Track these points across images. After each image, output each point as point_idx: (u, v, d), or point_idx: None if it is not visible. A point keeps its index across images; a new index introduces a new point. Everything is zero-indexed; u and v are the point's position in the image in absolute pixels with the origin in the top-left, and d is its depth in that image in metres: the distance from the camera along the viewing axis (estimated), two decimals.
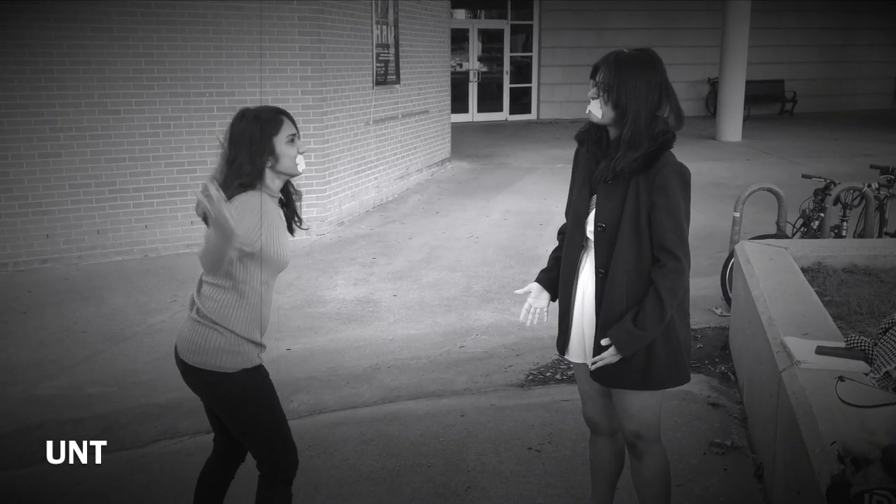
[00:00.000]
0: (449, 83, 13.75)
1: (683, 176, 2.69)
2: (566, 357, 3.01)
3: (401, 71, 11.15)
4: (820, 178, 6.70)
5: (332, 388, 4.96)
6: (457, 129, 15.25)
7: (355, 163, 9.76)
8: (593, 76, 2.76)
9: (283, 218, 2.87)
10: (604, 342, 2.72)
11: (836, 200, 6.45)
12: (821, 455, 2.47)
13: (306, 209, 8.78)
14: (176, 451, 4.16)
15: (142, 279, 7.31)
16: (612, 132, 2.76)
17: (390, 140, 10.93)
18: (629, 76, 2.66)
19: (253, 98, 8.26)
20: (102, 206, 7.89)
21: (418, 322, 6.18)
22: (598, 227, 2.74)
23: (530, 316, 3.10)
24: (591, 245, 2.82)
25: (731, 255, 5.92)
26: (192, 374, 2.78)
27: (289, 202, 2.91)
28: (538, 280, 3.12)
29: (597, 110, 2.72)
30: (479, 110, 20.33)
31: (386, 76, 10.62)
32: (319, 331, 5.89)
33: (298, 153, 2.78)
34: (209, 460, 3.09)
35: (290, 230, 2.93)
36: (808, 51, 21.80)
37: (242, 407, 2.78)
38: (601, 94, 2.71)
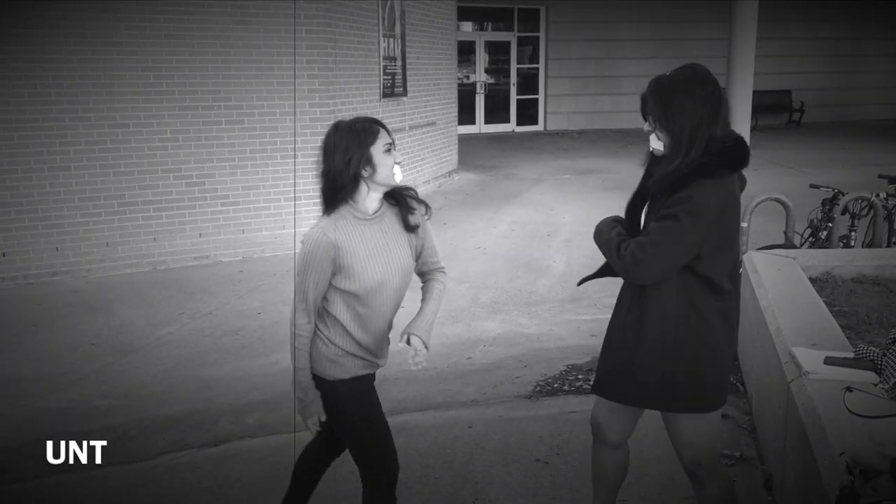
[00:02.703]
0: (456, 95, 13.79)
1: (698, 212, 2.50)
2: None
3: (408, 83, 11.19)
4: (828, 187, 6.69)
5: None
6: (464, 140, 15.28)
7: None
8: (644, 109, 2.67)
9: (391, 229, 2.82)
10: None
11: (845, 210, 6.43)
12: (830, 466, 2.46)
13: (315, 220, 8.78)
14: (184, 464, 4.17)
15: (150, 291, 7.34)
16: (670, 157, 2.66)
17: (397, 152, 10.94)
18: (674, 99, 2.57)
19: (260, 110, 8.31)
20: (111, 219, 7.93)
21: None
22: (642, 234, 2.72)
23: None
24: None
25: (739, 265, 5.90)
26: (315, 379, 2.86)
27: (400, 200, 2.86)
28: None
29: (657, 144, 2.66)
30: (486, 122, 20.36)
31: (393, 88, 10.66)
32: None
33: (395, 163, 2.75)
34: (310, 445, 3.20)
35: (408, 228, 2.87)
36: (816, 61, 21.78)
37: (339, 414, 2.87)
38: (654, 125, 2.63)
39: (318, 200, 2.78)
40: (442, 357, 5.67)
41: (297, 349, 2.74)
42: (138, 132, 7.92)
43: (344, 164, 2.66)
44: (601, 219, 2.84)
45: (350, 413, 2.87)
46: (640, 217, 2.76)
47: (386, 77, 10.38)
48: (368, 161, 2.69)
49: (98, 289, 7.45)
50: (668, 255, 2.56)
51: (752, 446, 4.08)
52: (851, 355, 3.15)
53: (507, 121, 20.72)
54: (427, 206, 2.96)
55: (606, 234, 2.73)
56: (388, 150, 2.74)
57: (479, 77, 20.37)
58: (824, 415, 2.76)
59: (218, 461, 4.15)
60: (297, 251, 2.78)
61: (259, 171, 8.43)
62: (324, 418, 2.83)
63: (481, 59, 20.42)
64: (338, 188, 2.69)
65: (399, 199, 2.86)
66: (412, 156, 11.49)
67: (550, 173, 13.68)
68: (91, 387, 5.26)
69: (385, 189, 2.79)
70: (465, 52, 19.53)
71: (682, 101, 2.56)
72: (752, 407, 4.43)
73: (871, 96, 22.42)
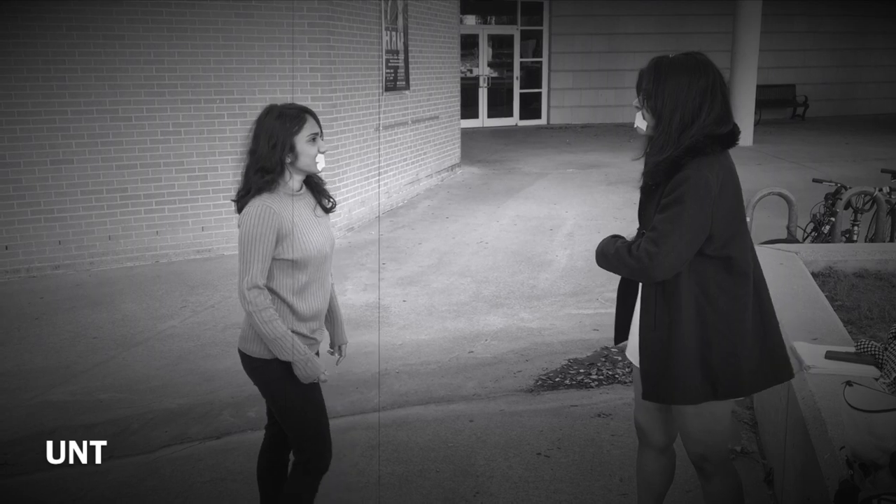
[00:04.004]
0: (459, 89, 13.77)
1: (698, 190, 2.47)
2: (628, 356, 2.91)
3: (410, 77, 11.17)
4: (831, 182, 6.68)
5: (341, 394, 4.97)
6: (467, 134, 15.27)
7: (365, 168, 9.78)
8: (639, 84, 2.62)
9: (310, 207, 2.93)
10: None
11: (847, 205, 6.42)
12: (830, 460, 2.47)
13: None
14: (186, 457, 4.18)
15: (153, 285, 7.35)
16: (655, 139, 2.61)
17: (400, 146, 10.95)
18: (669, 81, 2.53)
19: (262, 104, 8.26)
20: (114, 212, 7.93)
21: (427, 327, 6.19)
22: (640, 233, 2.67)
23: None
24: None
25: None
26: (243, 360, 2.95)
27: (314, 186, 2.99)
28: None
29: (641, 122, 2.63)
30: (489, 116, 20.35)
31: (395, 82, 10.65)
32: (328, 336, 5.90)
33: (319, 152, 2.86)
34: (262, 448, 3.22)
35: (325, 210, 3.00)
36: (820, 55, 21.73)
37: (279, 392, 2.92)
38: (643, 102, 2.59)
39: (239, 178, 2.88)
40: (444, 351, 5.68)
41: (267, 322, 2.76)
42: (140, 125, 7.92)
43: (269, 149, 2.79)
44: (601, 240, 2.73)
45: (287, 392, 2.90)
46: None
47: (388, 70, 10.37)
48: (292, 148, 2.81)
49: (100, 282, 7.47)
50: (682, 242, 2.48)
51: (753, 440, 4.08)
52: (853, 350, 3.15)
53: (511, 115, 20.70)
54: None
55: (611, 248, 2.64)
56: (313, 140, 2.85)
57: (483, 71, 20.34)
58: (825, 409, 2.76)
59: (220, 454, 4.16)
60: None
61: None
62: (325, 370, 2.89)
63: (484, 52, 20.39)
64: (260, 169, 2.80)
65: (312, 185, 3.00)
66: (415, 150, 11.48)
67: (553, 167, 13.67)
68: (93, 380, 5.28)
69: (305, 174, 2.92)
70: (469, 45, 19.50)
71: (677, 84, 2.51)
72: (754, 401, 4.43)
73: (875, 91, 22.37)
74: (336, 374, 5.27)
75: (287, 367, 2.84)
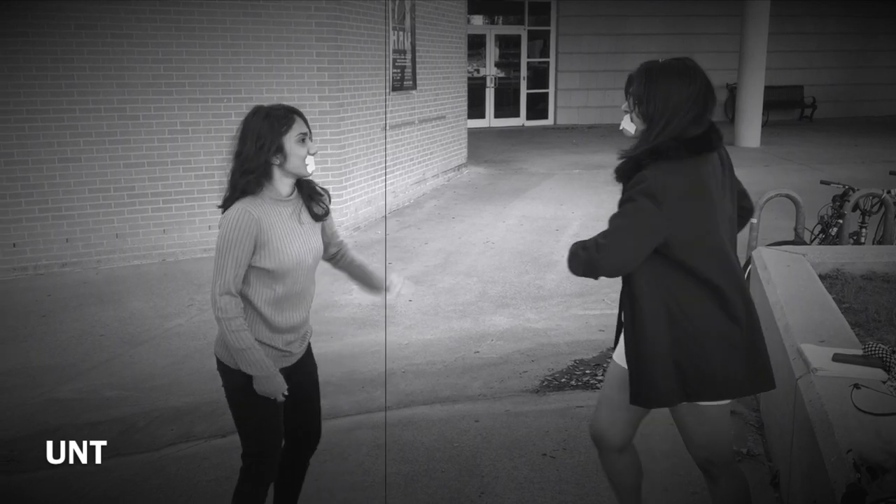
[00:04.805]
0: (466, 89, 13.77)
1: (652, 192, 2.45)
2: (614, 355, 2.94)
3: (417, 76, 11.17)
4: (839, 184, 6.64)
5: (347, 393, 4.97)
6: (473, 134, 15.27)
7: (372, 168, 9.79)
8: (627, 88, 2.62)
9: (297, 214, 2.83)
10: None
11: (855, 207, 6.38)
12: (837, 463, 2.45)
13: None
14: (191, 455, 4.19)
15: (159, 283, 7.37)
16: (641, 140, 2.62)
17: (407, 145, 10.95)
18: (660, 86, 2.53)
19: (270, 103, 8.29)
20: (121, 210, 7.95)
21: (433, 327, 6.19)
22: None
23: None
24: None
25: (749, 261, 5.88)
26: (217, 361, 2.89)
27: (307, 191, 2.88)
28: None
29: (629, 125, 2.64)
30: (496, 116, 20.34)
31: (402, 82, 10.65)
32: (335, 335, 5.91)
33: (309, 154, 2.76)
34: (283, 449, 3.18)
35: (315, 217, 2.89)
36: (828, 56, 21.65)
37: (234, 401, 2.88)
38: (633, 106, 2.59)
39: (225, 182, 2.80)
40: (449, 351, 5.68)
41: (234, 332, 2.69)
42: (148, 124, 7.94)
43: (255, 150, 2.70)
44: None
45: (246, 404, 2.85)
46: None
47: (395, 70, 10.37)
48: (280, 149, 2.72)
49: (107, 280, 7.48)
50: (631, 239, 2.51)
51: (759, 443, 4.07)
52: (860, 352, 3.14)
53: (517, 115, 20.68)
54: (328, 194, 3.00)
55: (573, 248, 2.68)
56: (302, 141, 2.75)
57: (490, 71, 20.33)
58: (832, 412, 2.75)
59: (225, 452, 4.16)
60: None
61: None
62: (286, 389, 2.79)
63: (491, 52, 20.38)
64: (246, 171, 2.71)
65: (304, 190, 2.88)
66: (421, 149, 11.48)
67: (560, 168, 13.65)
68: (100, 378, 5.29)
69: (295, 178, 2.82)
70: (476, 45, 19.49)
71: (668, 89, 2.52)
72: (760, 403, 4.42)
73: (884, 92, 22.28)
74: (342, 374, 5.28)
75: (247, 377, 2.79)
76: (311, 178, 2.88)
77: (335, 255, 3.12)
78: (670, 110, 2.51)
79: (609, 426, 2.91)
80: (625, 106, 2.64)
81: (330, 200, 3.01)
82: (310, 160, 2.77)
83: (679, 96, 2.51)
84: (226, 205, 2.76)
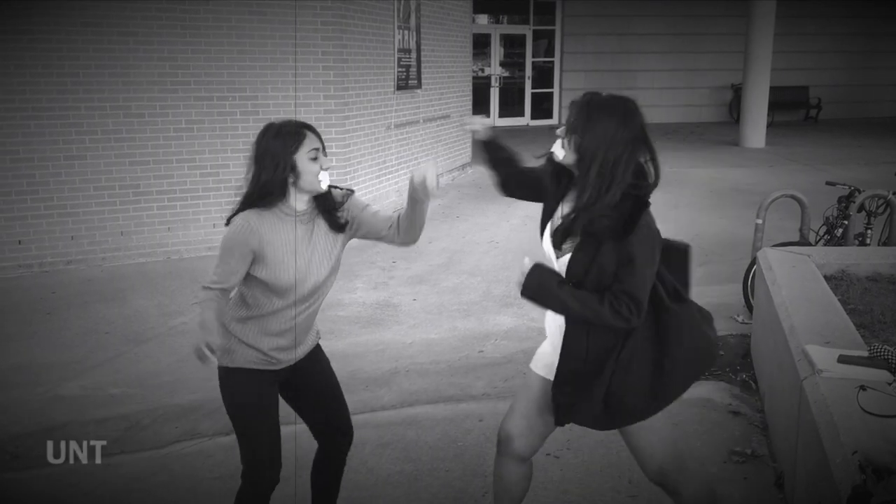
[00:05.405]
0: (470, 88, 13.76)
1: (653, 247, 2.56)
2: (530, 365, 2.96)
3: (422, 76, 11.18)
4: (844, 185, 6.63)
5: (351, 392, 4.96)
6: None
7: (376, 167, 9.79)
8: (568, 116, 2.62)
9: (310, 230, 2.80)
10: (525, 265, 2.66)
11: (861, 208, 6.38)
12: (842, 465, 2.45)
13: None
14: (196, 453, 4.19)
15: (164, 281, 7.38)
16: (576, 176, 2.62)
17: (411, 145, 10.96)
18: (597, 121, 2.51)
19: (275, 101, 8.32)
20: (126, 208, 7.97)
21: (437, 326, 6.19)
22: (569, 273, 2.63)
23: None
24: None
25: (754, 262, 5.88)
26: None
27: (324, 204, 2.84)
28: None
29: (559, 150, 2.63)
30: (501, 115, 20.33)
31: (408, 81, 10.65)
32: (339, 334, 5.91)
33: (322, 169, 2.72)
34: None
35: (338, 229, 2.85)
36: (834, 57, 21.60)
37: (225, 402, 2.91)
38: (569, 135, 2.58)
39: (241, 199, 2.77)
40: (453, 350, 5.68)
41: (199, 299, 2.71)
42: (153, 122, 7.95)
43: (271, 170, 2.67)
44: (525, 271, 2.67)
45: (226, 401, 2.88)
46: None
47: (400, 69, 10.37)
48: (293, 168, 2.69)
49: (112, 278, 7.50)
50: (647, 292, 2.57)
51: (763, 444, 4.06)
52: (865, 354, 3.14)
53: (522, 114, 20.67)
54: (349, 191, 2.92)
55: (563, 290, 2.60)
56: (315, 158, 2.71)
57: (494, 70, 20.32)
58: (837, 413, 2.75)
59: (229, 450, 4.16)
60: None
61: None
62: (209, 344, 2.62)
63: (496, 52, 20.37)
64: (265, 194, 2.69)
65: (320, 204, 2.84)
66: (426, 149, 11.48)
67: None
68: (104, 375, 5.30)
69: (310, 194, 2.78)
70: (481, 44, 19.49)
71: (606, 125, 2.50)
72: (765, 404, 4.41)
73: (889, 94, 22.23)
74: (346, 373, 5.28)
75: (233, 376, 2.82)
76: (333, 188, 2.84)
77: (392, 232, 2.94)
78: (601, 148, 2.50)
79: (521, 432, 2.91)
80: (559, 131, 2.63)
81: (352, 194, 2.92)
82: (323, 175, 2.73)
83: (614, 134, 2.50)
84: (232, 215, 2.76)
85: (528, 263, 2.65)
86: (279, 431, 2.93)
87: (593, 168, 2.51)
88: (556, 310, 2.65)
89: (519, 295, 2.67)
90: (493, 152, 3.06)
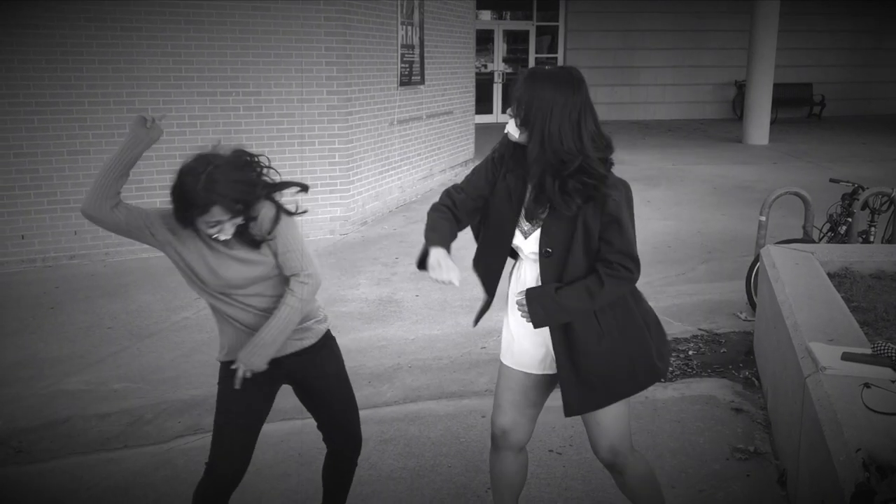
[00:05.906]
0: (473, 84, 13.75)
1: (629, 198, 2.63)
2: (504, 360, 2.98)
3: (425, 72, 11.17)
4: (848, 182, 6.62)
5: (354, 387, 4.96)
6: (481, 129, 15.24)
7: (379, 163, 9.79)
8: (512, 93, 2.60)
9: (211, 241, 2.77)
10: (517, 299, 2.69)
11: (864, 205, 6.37)
12: (845, 462, 2.45)
13: (330, 208, 8.82)
14: (199, 447, 4.20)
15: (167, 276, 7.38)
16: (528, 152, 2.56)
17: (414, 140, 10.95)
18: (543, 93, 2.48)
19: (278, 97, 8.32)
20: (129, 203, 7.95)
21: (440, 322, 6.19)
22: (545, 252, 2.62)
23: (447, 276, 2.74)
24: (530, 263, 2.76)
25: (757, 259, 5.87)
26: None
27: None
28: (439, 245, 2.82)
29: (513, 129, 2.59)
30: (504, 111, 20.31)
31: (411, 77, 10.64)
32: (342, 330, 5.92)
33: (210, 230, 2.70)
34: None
35: (252, 244, 2.77)
36: (837, 54, 21.57)
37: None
38: (515, 112, 2.55)
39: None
40: (456, 346, 5.68)
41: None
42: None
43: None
44: (522, 303, 2.68)
45: (219, 394, 2.96)
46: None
47: (403, 65, 10.36)
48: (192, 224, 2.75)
49: (115, 272, 7.51)
50: (635, 243, 2.65)
51: (766, 441, 4.06)
52: (869, 351, 3.13)
53: None
54: (282, 211, 2.77)
55: (564, 298, 2.60)
56: (213, 226, 2.66)
57: (497, 66, 20.31)
58: (840, 411, 2.74)
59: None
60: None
61: (276, 157, 8.44)
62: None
63: (499, 48, 20.36)
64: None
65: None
66: (429, 145, 11.48)
67: None
68: (107, 370, 5.31)
69: None
70: (484, 40, 19.47)
71: (551, 98, 2.48)
72: (768, 401, 4.41)
73: (893, 91, 22.19)
74: (348, 369, 5.27)
75: (220, 369, 2.95)
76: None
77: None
78: (551, 117, 2.47)
79: (514, 425, 2.93)
80: (509, 110, 2.61)
81: (280, 215, 2.78)
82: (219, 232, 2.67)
83: (561, 104, 2.47)
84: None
85: (520, 298, 2.67)
86: (249, 431, 2.89)
87: (544, 138, 2.49)
88: (575, 315, 2.63)
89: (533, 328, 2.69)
90: (441, 242, 2.93)
